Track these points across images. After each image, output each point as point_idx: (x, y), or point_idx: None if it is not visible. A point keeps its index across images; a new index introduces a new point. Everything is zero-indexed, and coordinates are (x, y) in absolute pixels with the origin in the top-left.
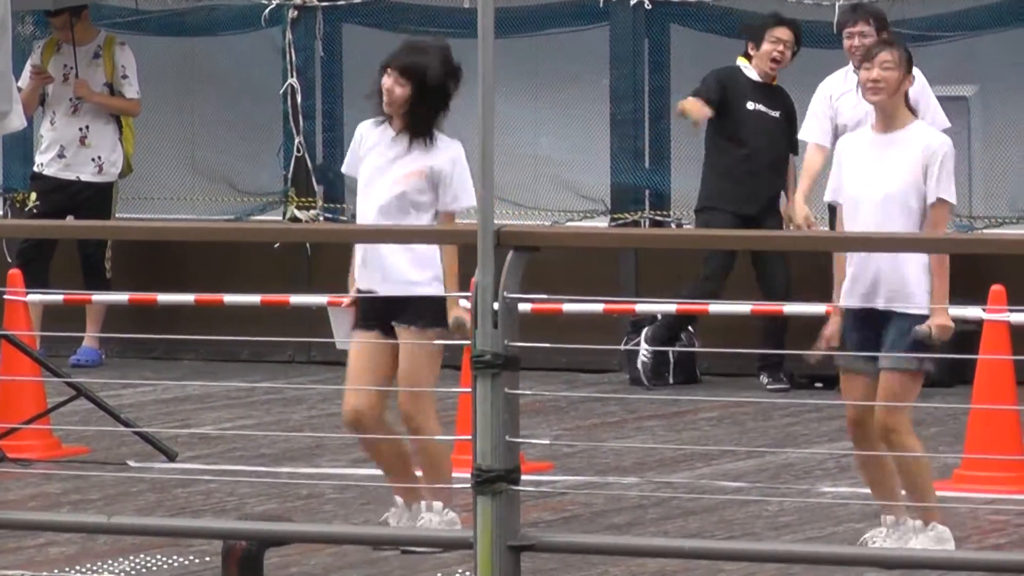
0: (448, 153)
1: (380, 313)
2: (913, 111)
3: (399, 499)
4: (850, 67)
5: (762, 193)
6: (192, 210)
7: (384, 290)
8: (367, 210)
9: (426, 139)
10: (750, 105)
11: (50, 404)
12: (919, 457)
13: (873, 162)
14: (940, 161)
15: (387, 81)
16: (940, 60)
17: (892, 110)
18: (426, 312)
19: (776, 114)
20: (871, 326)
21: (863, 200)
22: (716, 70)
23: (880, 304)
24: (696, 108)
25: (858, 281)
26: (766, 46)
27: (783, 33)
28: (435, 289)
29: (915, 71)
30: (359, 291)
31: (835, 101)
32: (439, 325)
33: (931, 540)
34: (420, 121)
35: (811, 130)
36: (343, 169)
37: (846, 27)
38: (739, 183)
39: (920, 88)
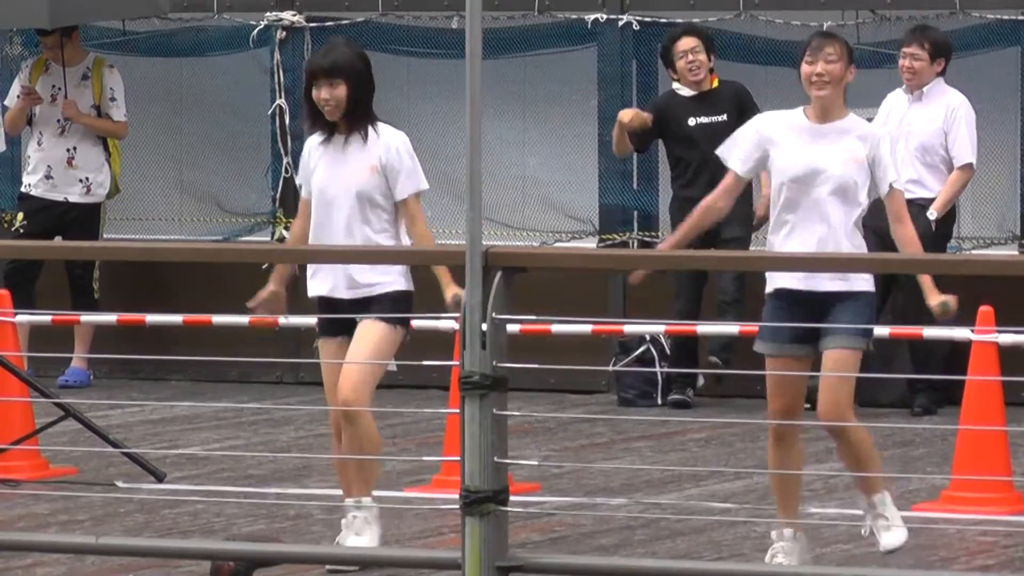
0: (393, 142)
1: (344, 320)
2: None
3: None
4: (903, 88)
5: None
6: (180, 231)
7: (349, 295)
8: (326, 220)
9: (372, 130)
10: (692, 121)
11: (38, 424)
12: (861, 428)
13: (811, 148)
14: (881, 151)
15: (322, 92)
16: None
17: (831, 102)
18: (392, 308)
19: (722, 118)
20: (809, 309)
21: (804, 183)
22: (654, 98)
23: (826, 285)
24: (628, 113)
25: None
26: (678, 63)
27: (686, 43)
28: (401, 285)
29: (957, 100)
30: (319, 299)
31: (886, 113)
32: (404, 326)
33: (890, 504)
34: (363, 113)
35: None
36: (300, 191)
37: (903, 46)
38: (694, 202)
39: (954, 119)
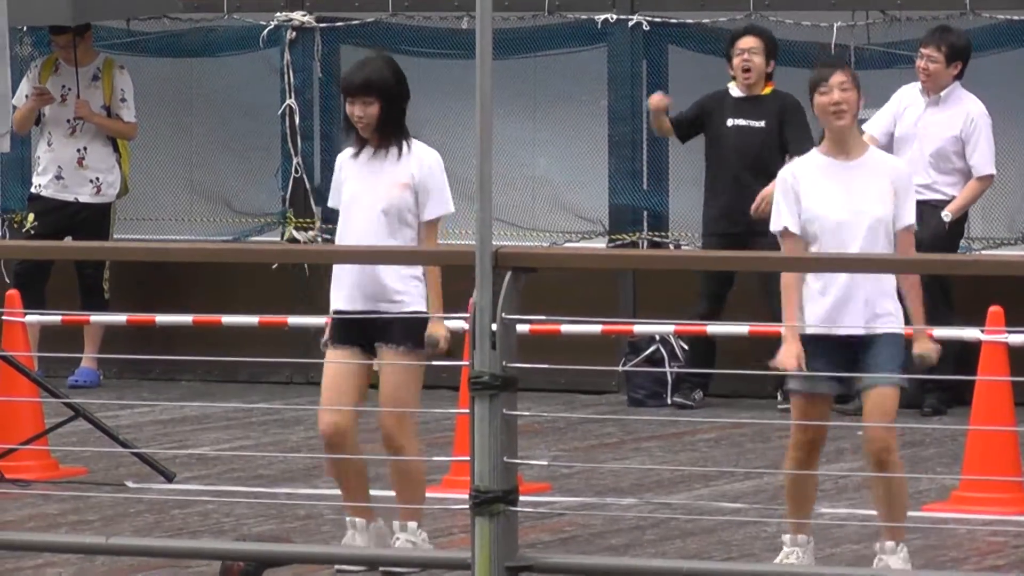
0: (427, 159)
1: (361, 332)
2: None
3: (359, 520)
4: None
5: (748, 210)
6: (190, 231)
7: (370, 307)
8: (350, 234)
9: (405, 146)
10: (730, 122)
11: (48, 425)
12: (905, 478)
13: (842, 187)
14: (906, 187)
15: (355, 108)
16: None
17: (850, 134)
18: (413, 333)
19: (760, 124)
20: (843, 351)
21: (846, 225)
22: (700, 100)
23: (864, 326)
24: (655, 97)
25: (846, 305)
26: (735, 60)
27: (745, 42)
28: (421, 306)
29: (977, 109)
30: (337, 312)
31: (902, 108)
32: (423, 347)
33: (902, 560)
34: (395, 130)
35: (873, 122)
36: (330, 204)
37: (920, 47)
38: (723, 204)
39: (972, 129)
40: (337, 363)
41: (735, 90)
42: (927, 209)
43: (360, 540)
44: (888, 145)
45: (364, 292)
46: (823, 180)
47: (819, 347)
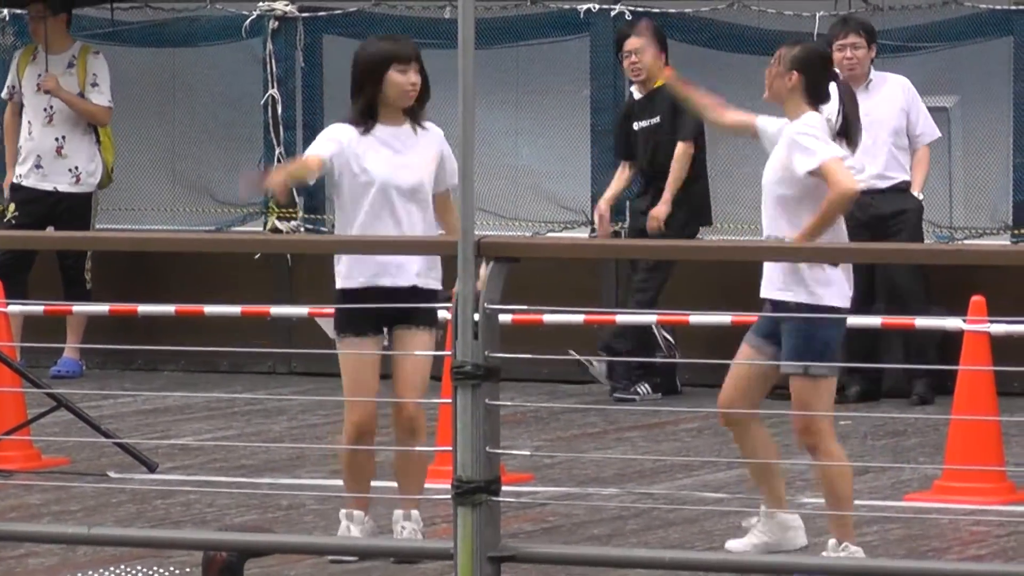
0: (439, 131)
1: (379, 315)
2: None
3: (358, 512)
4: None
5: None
6: (172, 221)
7: (401, 282)
8: (387, 211)
9: (423, 124)
10: (636, 126)
11: (30, 415)
12: (842, 465)
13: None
14: (792, 140)
15: (410, 76)
16: (921, 71)
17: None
18: (434, 313)
19: (656, 120)
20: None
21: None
22: (622, 106)
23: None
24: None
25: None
26: (624, 63)
27: (630, 44)
28: (438, 284)
29: (906, 81)
30: (355, 290)
31: (831, 116)
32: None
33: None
34: (422, 105)
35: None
36: (316, 150)
37: (837, 39)
38: (639, 203)
39: (911, 98)
40: (361, 360)
41: (636, 92)
42: (899, 195)
43: (356, 532)
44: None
45: (390, 269)
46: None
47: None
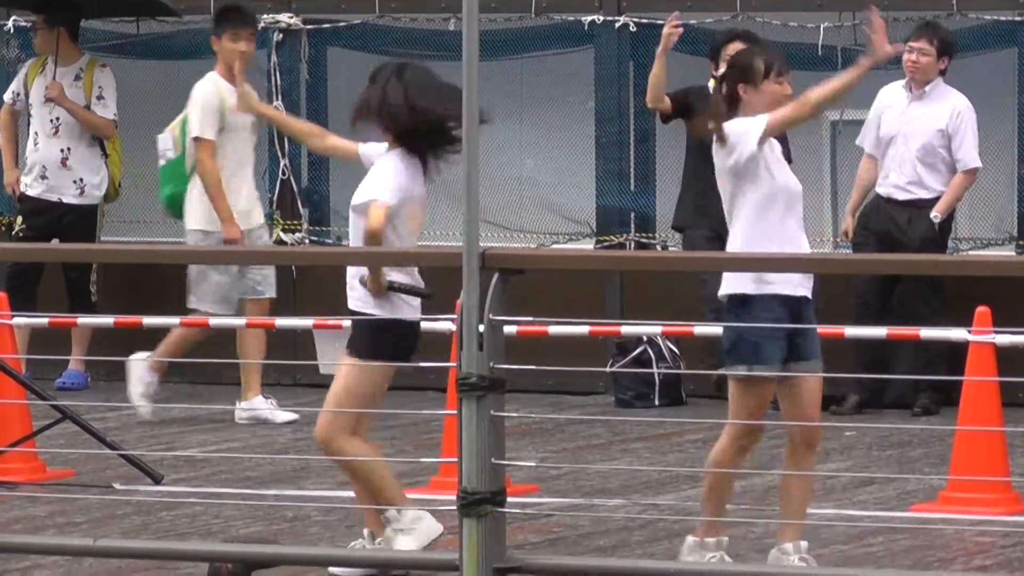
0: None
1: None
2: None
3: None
4: (903, 82)
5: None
6: (177, 233)
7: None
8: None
9: None
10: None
11: (36, 427)
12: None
13: None
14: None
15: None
16: None
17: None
18: (361, 340)
19: None
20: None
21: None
22: (684, 88)
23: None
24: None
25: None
26: (723, 66)
27: (735, 49)
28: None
29: (964, 103)
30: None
31: (883, 108)
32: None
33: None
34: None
35: (863, 139)
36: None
37: (909, 40)
38: (715, 201)
39: (960, 122)
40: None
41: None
42: (914, 211)
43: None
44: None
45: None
46: None
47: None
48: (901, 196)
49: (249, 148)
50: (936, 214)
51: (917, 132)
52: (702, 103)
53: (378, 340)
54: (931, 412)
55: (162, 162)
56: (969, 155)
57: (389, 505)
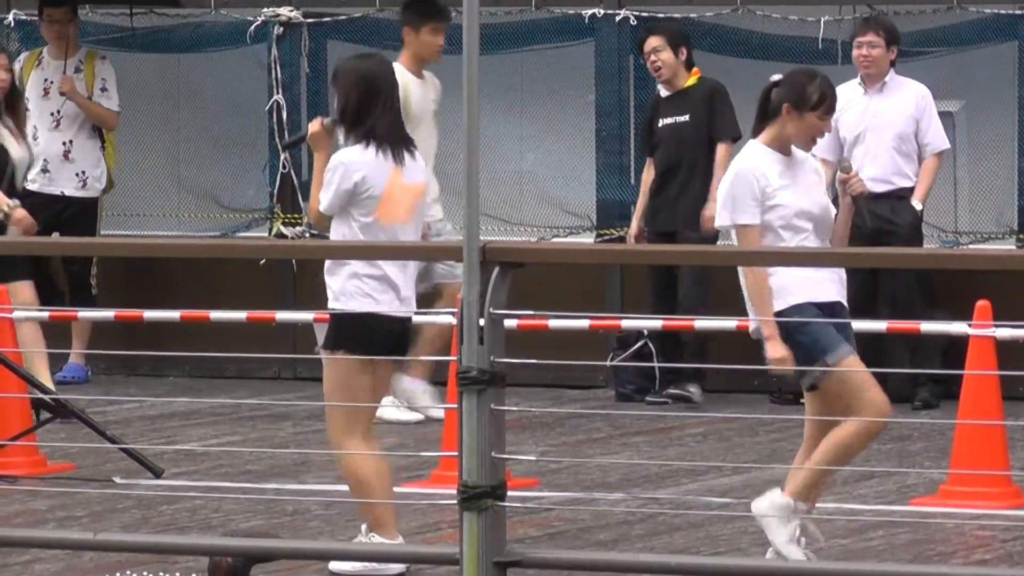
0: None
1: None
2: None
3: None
4: (857, 80)
5: (679, 207)
6: (177, 227)
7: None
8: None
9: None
10: (661, 123)
11: (36, 421)
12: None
13: None
14: None
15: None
16: (926, 76)
17: None
18: (329, 335)
19: (685, 118)
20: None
21: None
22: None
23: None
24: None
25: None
26: (647, 64)
27: (649, 43)
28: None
29: (924, 89)
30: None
31: (840, 113)
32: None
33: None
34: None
35: (820, 146)
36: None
37: (856, 36)
38: (657, 202)
39: (924, 106)
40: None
41: (663, 90)
42: (894, 201)
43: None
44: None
45: (409, 296)
46: None
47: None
48: (880, 188)
49: (433, 141)
50: (918, 201)
51: (888, 123)
52: (655, 112)
53: (335, 331)
54: (931, 406)
55: None
56: (938, 138)
57: (371, 516)
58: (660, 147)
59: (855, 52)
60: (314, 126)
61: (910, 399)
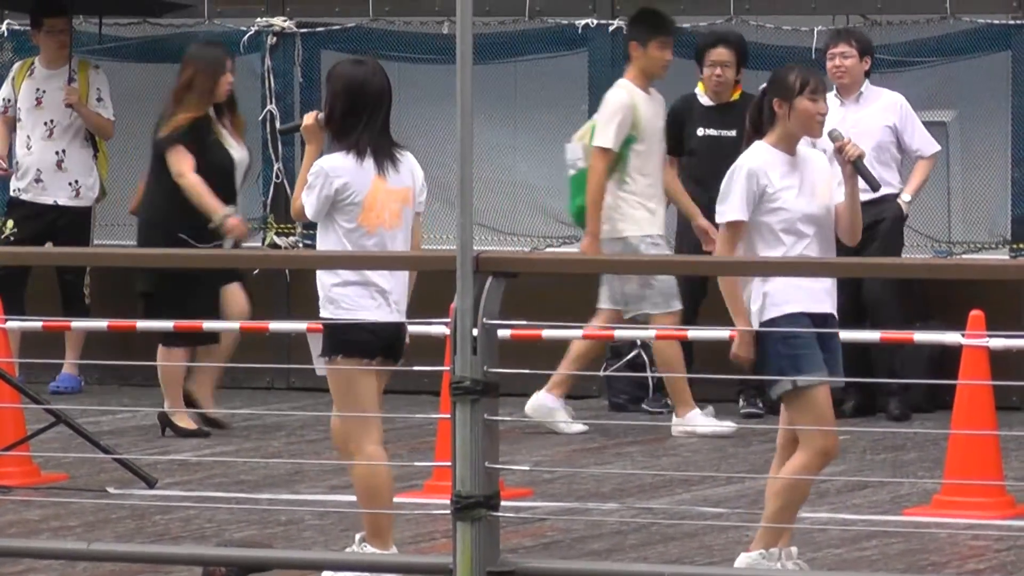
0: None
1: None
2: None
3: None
4: (833, 92)
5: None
6: None
7: (396, 317)
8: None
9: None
10: (700, 131)
11: (29, 431)
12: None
13: None
14: None
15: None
16: (919, 86)
17: None
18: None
19: (732, 133)
20: (823, 336)
21: None
22: (674, 102)
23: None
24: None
25: (816, 287)
26: (706, 71)
27: (719, 55)
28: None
29: (900, 98)
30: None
31: None
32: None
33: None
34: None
35: None
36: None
37: (828, 48)
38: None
39: (903, 115)
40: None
41: (703, 97)
42: (875, 208)
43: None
44: None
45: (399, 300)
46: None
47: (811, 336)
48: (862, 197)
49: (660, 158)
50: (907, 195)
51: (866, 133)
52: (690, 117)
53: (330, 339)
54: (903, 418)
55: (572, 172)
56: (926, 142)
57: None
58: (696, 156)
59: (828, 64)
60: (308, 119)
61: (883, 409)
